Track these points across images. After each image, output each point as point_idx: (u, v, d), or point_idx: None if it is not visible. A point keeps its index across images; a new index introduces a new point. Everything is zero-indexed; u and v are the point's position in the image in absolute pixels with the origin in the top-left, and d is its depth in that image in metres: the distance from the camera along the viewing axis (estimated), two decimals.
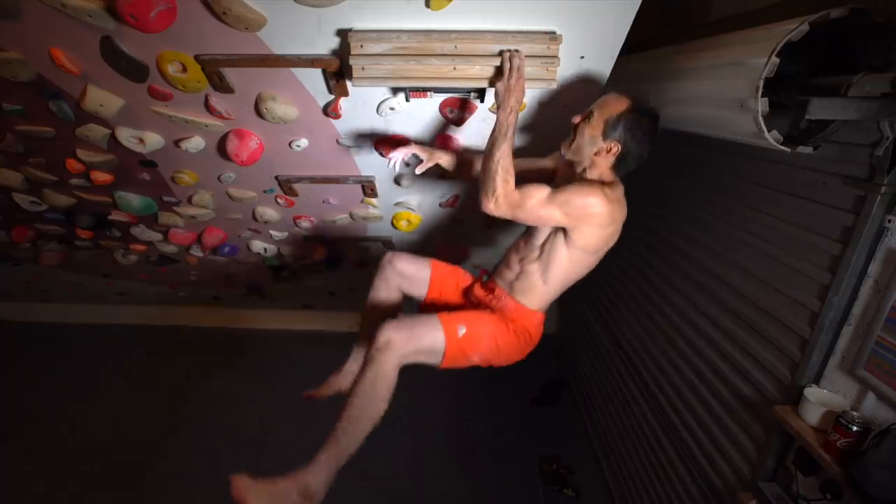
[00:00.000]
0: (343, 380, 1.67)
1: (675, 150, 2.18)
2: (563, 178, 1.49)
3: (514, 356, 1.53)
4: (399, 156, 1.59)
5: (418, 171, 1.59)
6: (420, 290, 1.66)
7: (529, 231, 1.49)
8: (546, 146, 1.79)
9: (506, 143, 1.27)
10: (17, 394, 3.25)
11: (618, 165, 1.31)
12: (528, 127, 1.70)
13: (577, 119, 1.33)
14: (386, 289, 1.65)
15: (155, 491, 2.60)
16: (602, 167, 1.32)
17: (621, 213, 1.32)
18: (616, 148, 1.28)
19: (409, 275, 1.63)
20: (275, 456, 2.82)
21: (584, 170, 1.35)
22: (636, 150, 1.29)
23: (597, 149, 1.29)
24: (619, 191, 1.34)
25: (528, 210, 1.28)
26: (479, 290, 1.59)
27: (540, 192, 1.28)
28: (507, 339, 1.47)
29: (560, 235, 1.36)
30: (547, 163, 1.62)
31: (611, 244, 1.38)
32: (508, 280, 1.52)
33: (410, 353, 1.33)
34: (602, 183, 1.31)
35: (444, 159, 1.62)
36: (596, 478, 2.83)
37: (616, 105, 1.28)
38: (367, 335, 1.59)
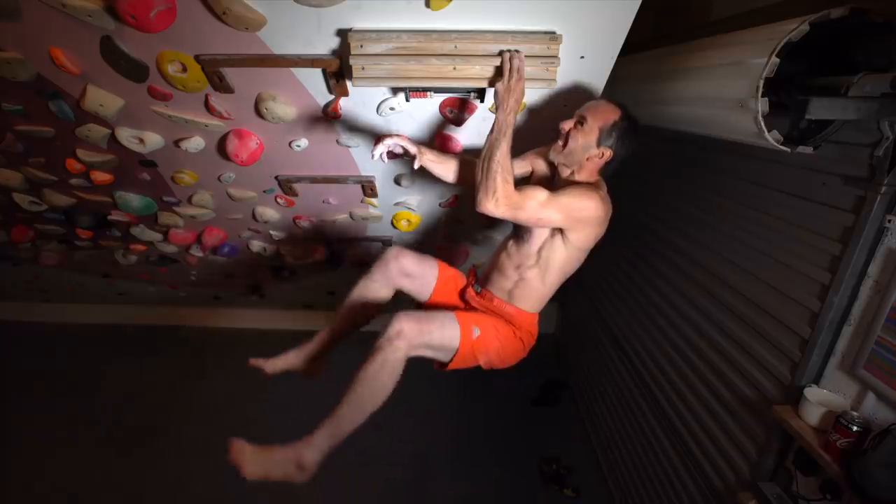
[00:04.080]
0: (295, 359, 1.60)
1: (675, 150, 2.18)
2: (541, 178, 1.52)
3: (515, 359, 1.55)
4: (383, 148, 1.47)
5: (416, 165, 1.51)
6: (423, 292, 1.61)
7: (520, 236, 1.48)
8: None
9: (505, 144, 1.26)
10: (16, 394, 3.25)
11: (603, 169, 1.39)
12: (528, 128, 1.70)
13: (567, 126, 1.36)
14: (383, 283, 1.57)
15: (154, 492, 2.60)
16: (591, 170, 1.38)
17: (610, 210, 1.37)
18: (609, 154, 1.34)
19: (414, 274, 1.58)
20: None
21: (573, 172, 1.39)
22: (622, 155, 1.37)
23: (589, 155, 1.34)
24: (604, 188, 1.40)
25: (529, 211, 1.28)
26: (475, 298, 1.59)
27: (539, 195, 1.29)
28: (512, 345, 1.50)
29: (557, 238, 1.39)
30: (523, 166, 1.58)
31: (601, 236, 1.42)
32: (506, 289, 1.52)
33: (420, 346, 1.32)
34: (591, 184, 1.37)
35: (432, 158, 1.52)
36: (596, 478, 2.83)
37: (610, 113, 1.33)
38: (341, 324, 1.59)
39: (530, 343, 1.55)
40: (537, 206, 1.28)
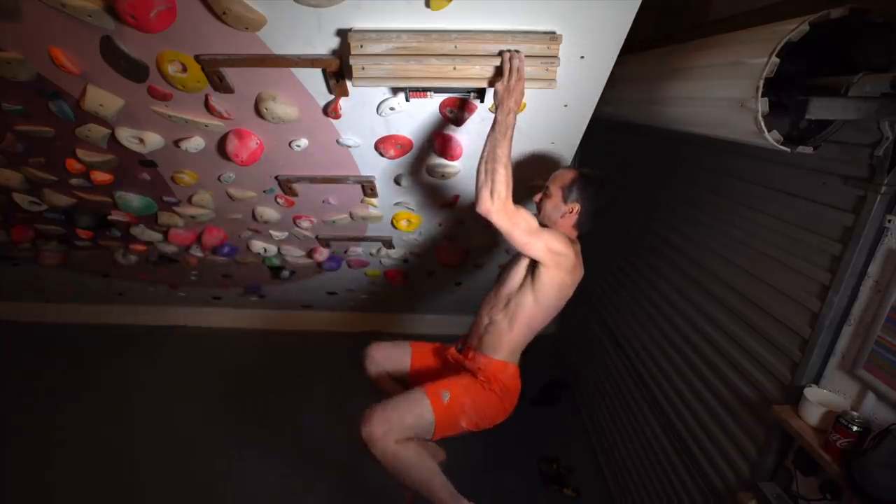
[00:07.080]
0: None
1: (675, 150, 2.19)
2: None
3: (498, 415, 1.67)
4: None
5: None
6: (401, 368, 1.84)
7: (500, 279, 1.66)
8: (544, 145, 1.79)
9: (506, 144, 1.29)
10: (16, 394, 3.25)
11: (580, 222, 1.58)
12: (527, 127, 1.70)
13: (537, 198, 1.63)
14: (376, 373, 1.84)
15: (153, 491, 2.60)
16: (567, 226, 1.59)
17: (580, 270, 1.58)
18: (577, 207, 1.55)
19: (391, 361, 1.83)
20: (275, 454, 2.82)
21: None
22: (591, 207, 1.56)
23: (561, 213, 1.57)
24: (578, 248, 1.58)
25: (520, 230, 1.40)
26: (455, 356, 1.72)
27: (533, 221, 1.45)
28: (487, 399, 1.61)
29: (528, 282, 1.54)
30: None
31: (567, 297, 1.60)
32: (479, 335, 1.67)
33: (399, 433, 1.43)
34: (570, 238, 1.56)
35: None
36: (596, 478, 2.83)
37: (566, 175, 1.57)
38: (397, 389, 1.78)
39: (507, 396, 1.65)
40: (527, 229, 1.41)
